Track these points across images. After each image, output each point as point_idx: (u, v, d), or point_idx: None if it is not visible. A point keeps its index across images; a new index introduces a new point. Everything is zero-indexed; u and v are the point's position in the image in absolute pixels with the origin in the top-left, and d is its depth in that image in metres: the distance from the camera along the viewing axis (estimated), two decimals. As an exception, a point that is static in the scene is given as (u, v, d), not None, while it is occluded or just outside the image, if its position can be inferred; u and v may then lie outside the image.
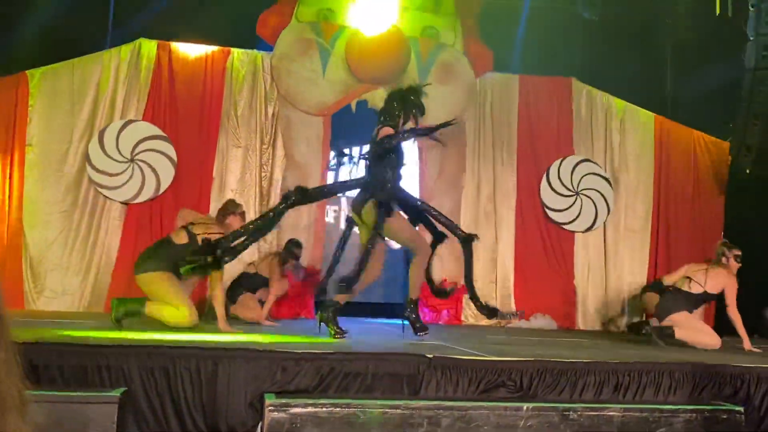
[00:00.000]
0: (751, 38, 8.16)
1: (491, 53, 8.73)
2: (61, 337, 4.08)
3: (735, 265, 6.16)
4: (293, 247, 7.10)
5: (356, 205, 5.25)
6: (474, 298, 5.62)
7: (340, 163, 5.68)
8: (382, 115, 5.34)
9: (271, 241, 7.74)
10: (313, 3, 8.25)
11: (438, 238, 5.57)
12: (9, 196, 7.49)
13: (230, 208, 5.93)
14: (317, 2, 8.27)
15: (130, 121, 7.77)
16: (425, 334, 5.29)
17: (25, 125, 7.60)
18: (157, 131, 7.80)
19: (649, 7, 9.20)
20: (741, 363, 4.37)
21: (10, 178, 7.50)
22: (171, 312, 5.15)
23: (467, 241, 5.45)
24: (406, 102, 5.30)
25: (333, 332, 4.98)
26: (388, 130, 5.13)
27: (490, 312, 5.72)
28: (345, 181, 5.69)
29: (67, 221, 7.61)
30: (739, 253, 6.18)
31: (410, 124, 5.33)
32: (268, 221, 5.22)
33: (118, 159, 7.64)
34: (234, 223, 5.72)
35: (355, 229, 5.51)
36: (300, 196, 5.11)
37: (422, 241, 5.46)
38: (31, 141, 7.59)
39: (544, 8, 8.95)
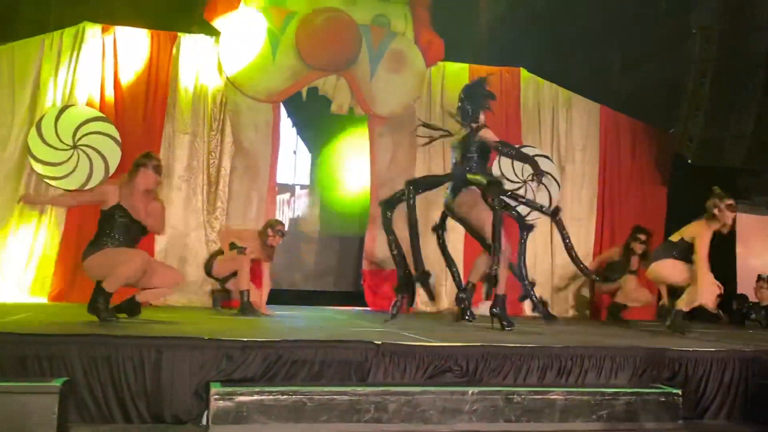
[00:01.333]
0: (695, 31, 8.35)
1: (442, 42, 8.75)
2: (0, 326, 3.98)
3: (729, 215, 5.86)
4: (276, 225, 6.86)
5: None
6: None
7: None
8: (463, 117, 5.77)
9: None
10: (264, -13, 8.15)
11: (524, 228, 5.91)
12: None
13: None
14: (269, -13, 8.16)
15: (67, 106, 7.58)
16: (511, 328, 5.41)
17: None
18: (97, 113, 7.63)
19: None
20: (679, 347, 4.50)
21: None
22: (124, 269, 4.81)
23: (554, 214, 5.94)
24: (476, 97, 5.75)
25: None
26: (488, 132, 5.64)
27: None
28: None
29: (8, 210, 7.40)
30: (732, 202, 5.89)
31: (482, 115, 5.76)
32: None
33: (60, 147, 7.46)
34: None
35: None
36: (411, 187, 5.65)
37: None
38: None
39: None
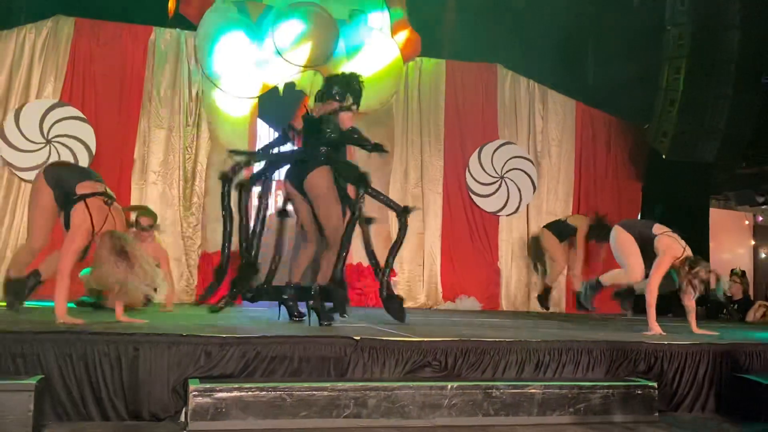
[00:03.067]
0: (668, 28, 8.43)
1: (419, 37, 8.74)
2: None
3: (691, 289, 5.36)
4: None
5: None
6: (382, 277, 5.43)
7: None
8: (326, 96, 5.23)
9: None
10: (239, -18, 8.08)
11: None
12: None
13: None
14: (243, -19, 8.10)
15: (46, 101, 7.48)
16: (329, 323, 4.88)
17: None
18: (74, 111, 7.52)
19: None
20: (654, 340, 4.54)
21: None
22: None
23: (404, 212, 5.39)
24: (350, 88, 5.25)
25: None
26: (348, 116, 5.13)
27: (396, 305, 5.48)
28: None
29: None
30: (700, 275, 5.31)
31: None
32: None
33: (35, 140, 7.35)
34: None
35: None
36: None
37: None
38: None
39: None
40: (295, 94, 8.35)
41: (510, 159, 9.11)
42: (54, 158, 7.36)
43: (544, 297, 8.34)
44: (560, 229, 8.22)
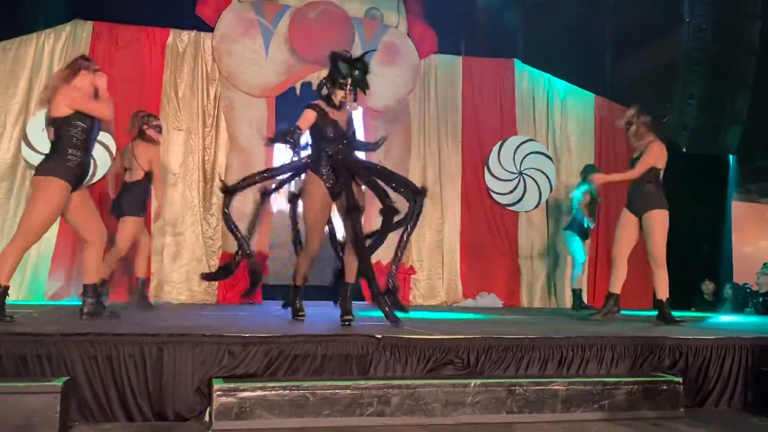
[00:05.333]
0: (687, 20, 8.35)
1: (435, 34, 8.74)
2: (-1, 327, 3.95)
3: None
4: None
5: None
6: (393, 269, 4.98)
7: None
8: (359, 85, 4.93)
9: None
10: (255, -17, 8.11)
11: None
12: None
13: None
14: (259, -18, 8.13)
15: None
16: (301, 317, 5.12)
17: (-45, 109, 7.35)
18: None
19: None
20: (679, 335, 4.50)
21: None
22: None
23: (419, 194, 4.83)
24: (351, 73, 4.91)
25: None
26: (309, 112, 4.83)
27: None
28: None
29: (2, 210, 7.37)
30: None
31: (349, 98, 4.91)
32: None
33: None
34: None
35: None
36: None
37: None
38: (-38, 126, 7.34)
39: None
40: (313, 94, 8.35)
41: (529, 155, 9.07)
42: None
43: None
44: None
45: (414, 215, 4.81)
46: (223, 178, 7.92)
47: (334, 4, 8.18)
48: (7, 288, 4.41)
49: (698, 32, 8.25)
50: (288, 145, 4.86)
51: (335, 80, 4.86)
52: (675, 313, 5.92)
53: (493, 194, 9.03)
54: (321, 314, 6.01)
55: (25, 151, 7.41)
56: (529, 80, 9.31)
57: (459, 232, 8.95)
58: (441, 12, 8.82)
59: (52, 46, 7.66)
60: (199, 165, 7.98)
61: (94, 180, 7.44)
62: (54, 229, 7.42)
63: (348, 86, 4.84)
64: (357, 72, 4.86)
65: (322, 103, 4.89)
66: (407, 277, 8.35)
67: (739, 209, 9.70)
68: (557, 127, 9.38)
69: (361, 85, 4.93)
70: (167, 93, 7.91)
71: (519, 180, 9.03)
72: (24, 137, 7.42)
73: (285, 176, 5.29)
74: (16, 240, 4.48)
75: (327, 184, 4.81)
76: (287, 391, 3.44)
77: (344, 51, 5.05)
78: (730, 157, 9.38)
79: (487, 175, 8.99)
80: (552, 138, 9.36)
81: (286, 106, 8.33)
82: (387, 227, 4.73)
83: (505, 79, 9.22)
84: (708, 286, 8.99)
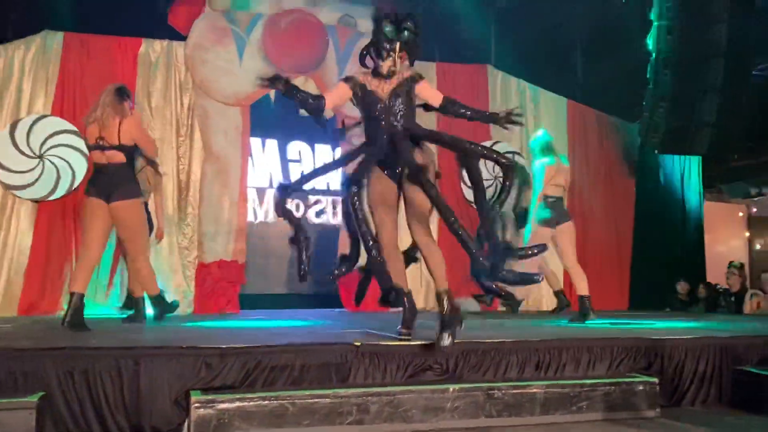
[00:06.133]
0: (656, 23, 8.45)
1: (408, 41, 8.76)
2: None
3: None
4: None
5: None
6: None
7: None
8: (412, 52, 4.28)
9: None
10: (228, -9, 8.07)
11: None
12: None
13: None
14: (232, -10, 8.08)
15: (42, 117, 7.43)
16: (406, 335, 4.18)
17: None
18: (68, 125, 7.48)
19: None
20: (654, 336, 4.55)
21: None
22: None
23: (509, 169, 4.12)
24: (400, 35, 4.10)
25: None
26: (340, 85, 4.28)
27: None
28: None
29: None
30: None
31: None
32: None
33: (28, 155, 7.33)
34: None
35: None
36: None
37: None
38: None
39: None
40: (287, 102, 8.33)
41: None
42: (47, 173, 7.33)
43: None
44: None
45: (506, 189, 4.15)
46: (197, 188, 7.89)
47: (307, 12, 8.17)
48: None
49: (666, 35, 8.33)
50: (305, 111, 4.31)
51: (380, 46, 4.08)
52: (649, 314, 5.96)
53: (467, 197, 9.06)
54: (297, 322, 6.00)
55: (6, 151, 7.27)
56: (502, 85, 9.34)
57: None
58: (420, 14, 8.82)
59: (23, 57, 7.54)
60: (174, 175, 7.89)
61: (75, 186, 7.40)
62: (27, 242, 7.34)
63: (396, 52, 4.07)
64: (406, 33, 4.09)
65: (361, 75, 4.19)
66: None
67: (710, 209, 9.83)
68: (531, 131, 9.43)
69: (411, 48, 4.19)
70: (140, 103, 7.81)
71: (494, 183, 9.07)
72: (10, 137, 7.30)
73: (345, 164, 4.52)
74: (145, 256, 5.51)
75: (385, 171, 4.18)
76: (266, 402, 3.43)
77: (388, 11, 4.20)
78: (701, 158, 9.50)
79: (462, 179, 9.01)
80: (525, 142, 9.41)
81: (261, 115, 8.31)
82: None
83: (478, 85, 9.25)
84: (682, 287, 9.08)
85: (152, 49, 7.97)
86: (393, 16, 4.09)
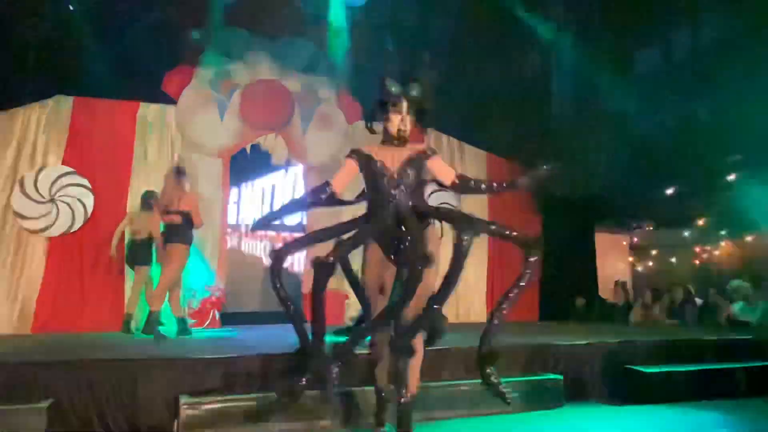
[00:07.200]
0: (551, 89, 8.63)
1: (359, 105, 8.84)
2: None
3: None
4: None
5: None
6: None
7: None
8: (426, 121, 3.40)
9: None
10: (212, 65, 8.04)
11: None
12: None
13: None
14: (216, 65, 8.05)
15: (42, 168, 7.25)
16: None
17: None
18: (67, 168, 7.31)
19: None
20: (561, 342, 4.61)
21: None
22: None
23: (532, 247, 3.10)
24: (405, 91, 3.22)
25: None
26: (346, 163, 3.33)
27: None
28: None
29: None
30: None
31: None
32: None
33: (40, 201, 7.14)
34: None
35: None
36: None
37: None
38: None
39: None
40: (260, 153, 8.33)
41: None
42: (63, 212, 7.17)
43: None
44: None
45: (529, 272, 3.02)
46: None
47: (277, 82, 8.20)
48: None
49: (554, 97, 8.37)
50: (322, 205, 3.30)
51: (386, 104, 3.20)
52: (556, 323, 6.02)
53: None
54: (268, 335, 5.92)
55: (21, 201, 7.09)
56: (435, 140, 9.40)
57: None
58: (365, 87, 8.86)
59: (38, 118, 7.39)
60: (166, 215, 7.74)
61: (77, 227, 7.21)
62: (39, 273, 7.10)
63: (404, 110, 3.19)
64: (413, 92, 3.21)
65: (367, 146, 3.31)
66: (343, 300, 8.23)
67: (600, 239, 10.07)
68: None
69: (421, 108, 3.26)
70: (138, 156, 7.70)
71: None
72: (20, 188, 7.11)
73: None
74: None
75: (380, 243, 3.19)
76: (242, 403, 3.37)
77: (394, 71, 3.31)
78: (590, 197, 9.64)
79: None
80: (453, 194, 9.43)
81: (239, 164, 8.29)
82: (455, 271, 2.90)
83: (417, 140, 9.27)
84: (579, 301, 9.23)
85: (148, 111, 7.87)
86: (397, 74, 3.26)
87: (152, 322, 5.63)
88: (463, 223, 2.96)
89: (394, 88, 3.18)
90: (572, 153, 8.51)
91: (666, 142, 7.74)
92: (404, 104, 3.18)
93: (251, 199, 9.02)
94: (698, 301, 8.31)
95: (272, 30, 8.26)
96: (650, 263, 10.66)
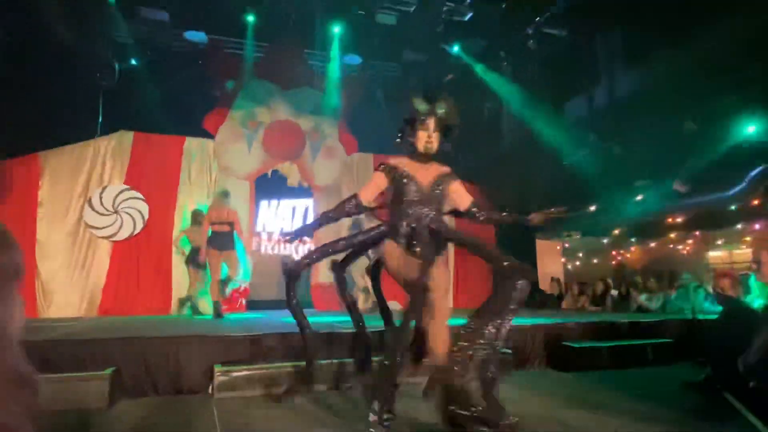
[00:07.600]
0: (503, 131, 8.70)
1: (356, 140, 8.85)
2: (63, 335, 3.67)
3: None
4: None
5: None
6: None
7: None
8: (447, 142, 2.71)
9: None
10: (242, 108, 8.05)
11: None
12: (23, 238, 6.71)
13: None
14: (245, 108, 8.06)
15: (105, 187, 7.18)
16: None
17: (37, 190, 6.90)
18: (124, 186, 7.24)
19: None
20: (512, 324, 4.56)
21: (25, 226, 6.73)
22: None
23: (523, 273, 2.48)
24: (433, 109, 2.66)
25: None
26: (375, 175, 2.75)
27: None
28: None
29: (69, 255, 6.91)
30: None
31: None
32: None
33: (106, 213, 7.08)
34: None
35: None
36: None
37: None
38: (42, 201, 6.90)
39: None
40: (278, 177, 8.32)
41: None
42: (126, 221, 7.10)
43: None
44: None
45: (516, 301, 2.45)
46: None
47: (292, 122, 8.22)
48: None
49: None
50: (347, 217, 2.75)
51: (414, 121, 2.63)
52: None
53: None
54: (284, 318, 5.87)
55: (90, 215, 7.01)
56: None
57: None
58: (361, 124, 8.83)
59: (105, 148, 7.35)
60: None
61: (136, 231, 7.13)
62: (104, 268, 7.00)
63: (432, 127, 2.61)
64: (440, 110, 2.62)
65: (393, 160, 2.71)
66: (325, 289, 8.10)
67: (540, 244, 10.10)
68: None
69: (447, 125, 2.65)
70: (184, 180, 7.67)
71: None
72: (89, 205, 7.03)
73: (358, 247, 2.85)
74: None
75: (407, 250, 2.59)
76: (263, 371, 3.34)
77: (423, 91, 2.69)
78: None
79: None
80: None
81: (262, 185, 8.27)
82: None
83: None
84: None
85: (192, 143, 7.84)
86: (425, 91, 2.68)
87: (216, 307, 5.88)
88: (507, 269, 2.40)
89: (422, 107, 2.61)
90: (519, 177, 8.59)
91: (590, 170, 7.82)
92: (432, 121, 2.59)
93: (274, 213, 8.98)
94: (614, 292, 8.35)
95: (288, 82, 8.30)
96: (577, 263, 10.72)
